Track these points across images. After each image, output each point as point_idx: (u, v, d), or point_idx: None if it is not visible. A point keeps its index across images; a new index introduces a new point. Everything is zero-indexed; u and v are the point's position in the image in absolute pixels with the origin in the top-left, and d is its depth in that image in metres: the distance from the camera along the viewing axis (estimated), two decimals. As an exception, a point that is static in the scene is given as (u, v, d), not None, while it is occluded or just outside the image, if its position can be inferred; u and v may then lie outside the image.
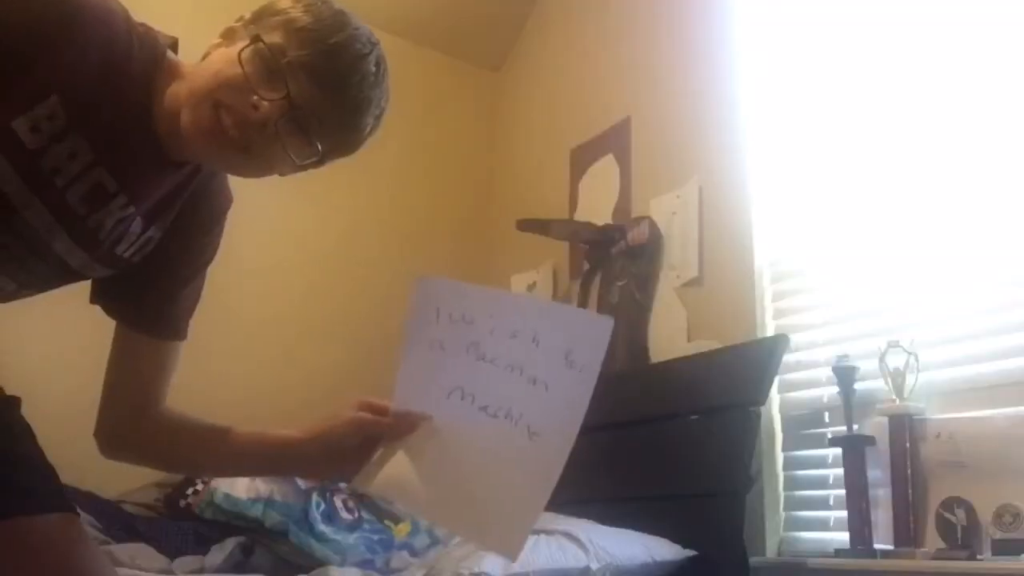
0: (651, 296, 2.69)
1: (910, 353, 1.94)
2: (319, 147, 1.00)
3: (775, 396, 2.26)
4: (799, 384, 2.25)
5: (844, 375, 2.04)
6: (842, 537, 1.99)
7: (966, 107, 2.00)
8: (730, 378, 2.20)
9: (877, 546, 1.90)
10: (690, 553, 1.96)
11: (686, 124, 2.73)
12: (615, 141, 3.05)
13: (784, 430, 2.27)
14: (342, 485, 2.39)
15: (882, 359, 1.97)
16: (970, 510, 1.78)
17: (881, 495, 1.95)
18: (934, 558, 1.75)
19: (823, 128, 2.33)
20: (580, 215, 3.15)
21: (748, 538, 1.98)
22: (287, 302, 2.92)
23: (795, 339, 2.22)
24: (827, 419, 2.17)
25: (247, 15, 1.02)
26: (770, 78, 2.51)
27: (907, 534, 1.87)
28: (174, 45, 1.04)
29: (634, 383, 2.59)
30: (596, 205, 3.08)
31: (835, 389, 2.07)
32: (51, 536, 1.00)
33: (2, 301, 1.08)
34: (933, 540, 1.82)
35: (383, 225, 3.39)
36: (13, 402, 1.09)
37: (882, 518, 1.93)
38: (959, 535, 1.77)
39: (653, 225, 2.73)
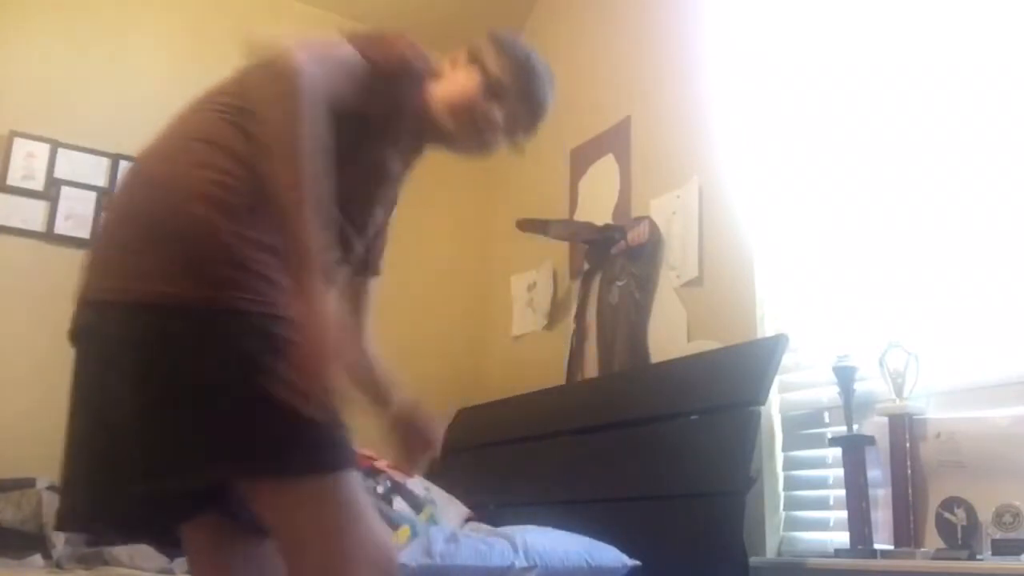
0: (651, 296, 2.69)
1: (910, 353, 1.94)
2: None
3: (775, 396, 2.26)
4: (799, 384, 2.25)
5: (844, 375, 2.04)
6: (842, 537, 1.99)
7: (969, 107, 2.00)
8: (730, 378, 2.20)
9: (877, 546, 1.90)
10: (633, 563, 1.94)
11: (686, 124, 2.73)
12: (615, 141, 3.05)
13: (784, 430, 2.27)
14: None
15: (882, 359, 1.97)
16: (970, 510, 1.77)
17: (881, 495, 1.95)
18: (934, 558, 1.75)
19: (823, 128, 2.33)
20: (580, 215, 3.15)
21: (748, 538, 1.98)
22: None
23: (795, 339, 2.22)
24: (827, 419, 2.17)
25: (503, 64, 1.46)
26: (770, 78, 2.51)
27: (907, 534, 1.87)
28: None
29: (634, 383, 2.59)
30: (596, 205, 3.07)
31: (835, 389, 2.07)
32: None
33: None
34: (933, 540, 1.82)
35: (383, 225, 3.38)
36: None
37: (882, 518, 1.93)
38: (959, 535, 1.77)
39: (653, 225, 2.73)
